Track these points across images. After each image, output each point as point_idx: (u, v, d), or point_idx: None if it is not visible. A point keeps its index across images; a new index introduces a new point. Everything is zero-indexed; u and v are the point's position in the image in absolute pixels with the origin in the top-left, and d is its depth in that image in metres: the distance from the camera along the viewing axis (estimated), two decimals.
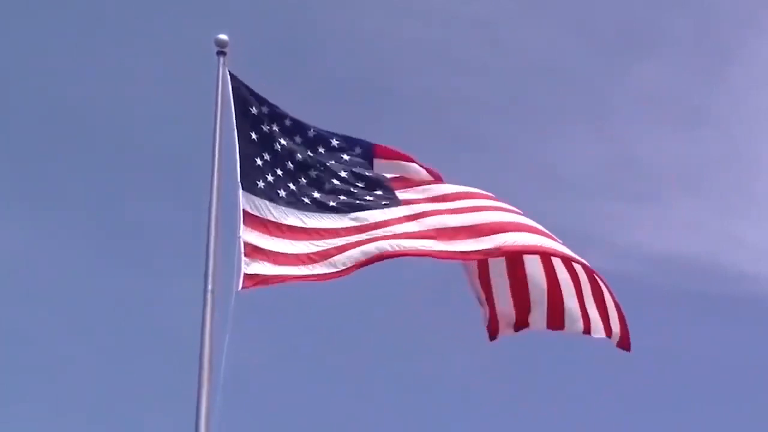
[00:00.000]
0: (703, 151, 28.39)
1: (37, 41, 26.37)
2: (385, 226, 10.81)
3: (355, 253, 10.55)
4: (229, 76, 10.96)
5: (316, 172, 11.13)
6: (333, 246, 10.59)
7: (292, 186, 10.95)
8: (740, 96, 28.11)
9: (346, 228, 10.78)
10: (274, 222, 10.59)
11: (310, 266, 10.45)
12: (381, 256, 10.56)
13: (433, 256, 10.75)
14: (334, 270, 10.46)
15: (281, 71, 23.55)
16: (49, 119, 26.54)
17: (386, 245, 10.60)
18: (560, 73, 27.96)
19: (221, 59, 11.01)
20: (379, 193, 11.17)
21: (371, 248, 10.58)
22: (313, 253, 10.52)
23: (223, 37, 11.09)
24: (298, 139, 11.23)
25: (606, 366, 26.01)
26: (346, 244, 10.61)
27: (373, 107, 27.42)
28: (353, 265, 10.48)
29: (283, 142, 11.12)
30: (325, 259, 10.50)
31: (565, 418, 25.16)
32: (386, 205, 11.05)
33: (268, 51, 23.63)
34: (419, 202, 11.17)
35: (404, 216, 10.97)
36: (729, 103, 28.27)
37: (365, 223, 10.83)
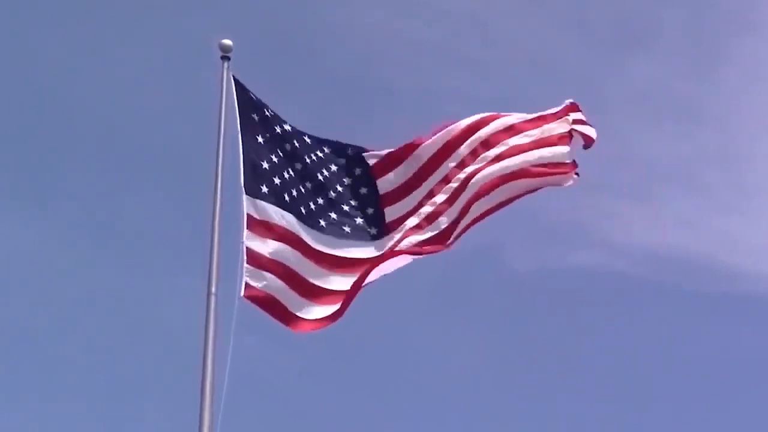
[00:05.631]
0: (699, 148, 28.42)
1: (41, 42, 26.42)
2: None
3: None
4: (233, 81, 10.95)
5: (313, 183, 11.15)
6: (321, 281, 10.70)
7: (300, 188, 10.98)
8: (735, 93, 28.16)
9: (337, 259, 10.83)
10: (279, 225, 10.60)
11: (302, 299, 10.54)
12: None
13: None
14: (319, 316, 10.56)
15: (279, 68, 23.59)
16: (53, 120, 26.57)
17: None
18: (555, 69, 27.98)
19: (225, 64, 11.01)
20: (370, 212, 11.21)
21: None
22: (307, 283, 10.60)
23: (227, 42, 11.07)
24: (298, 144, 11.24)
25: (605, 365, 26.10)
26: (331, 290, 10.68)
27: (369, 104, 27.46)
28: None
29: (287, 147, 11.14)
30: (316, 297, 10.63)
31: (564, 418, 25.21)
32: (374, 238, 11.08)
33: (267, 48, 23.69)
34: (406, 218, 11.16)
35: (388, 251, 10.95)
36: (724, 100, 28.32)
37: (351, 259, 10.88)
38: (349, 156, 11.42)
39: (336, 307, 10.58)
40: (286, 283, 10.48)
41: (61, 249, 25.17)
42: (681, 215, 27.90)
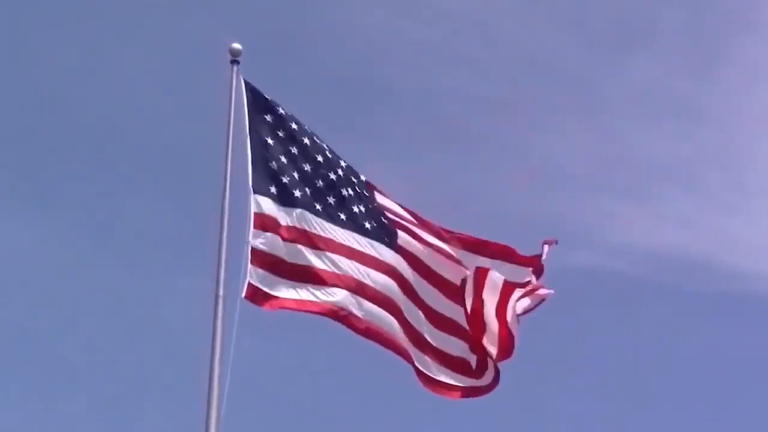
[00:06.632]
0: (699, 148, 28.48)
1: (42, 42, 26.43)
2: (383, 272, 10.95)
3: (349, 301, 10.65)
4: (243, 84, 10.94)
5: (326, 182, 11.15)
6: (335, 269, 10.67)
7: (307, 189, 10.94)
8: (735, 93, 28.23)
9: (351, 249, 10.85)
10: (285, 224, 10.55)
11: (310, 287, 10.49)
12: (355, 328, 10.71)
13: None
14: (329, 303, 10.55)
15: (279, 68, 23.59)
16: (53, 120, 26.61)
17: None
18: (555, 69, 28.06)
19: (235, 67, 10.97)
20: (376, 224, 11.23)
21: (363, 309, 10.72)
22: (318, 270, 10.57)
23: (236, 46, 11.04)
24: (311, 147, 11.26)
25: (605, 365, 26.10)
26: (346, 276, 10.70)
27: (369, 104, 27.48)
28: (344, 315, 10.61)
29: (297, 147, 11.14)
30: (325, 285, 10.57)
31: (564, 418, 25.22)
32: (386, 243, 11.13)
33: (267, 48, 23.69)
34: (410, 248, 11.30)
35: (398, 267, 11.09)
36: (724, 100, 28.39)
37: (365, 252, 10.93)
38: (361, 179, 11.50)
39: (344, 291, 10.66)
40: (291, 278, 10.40)
41: (61, 249, 25.21)
42: (681, 215, 27.97)
